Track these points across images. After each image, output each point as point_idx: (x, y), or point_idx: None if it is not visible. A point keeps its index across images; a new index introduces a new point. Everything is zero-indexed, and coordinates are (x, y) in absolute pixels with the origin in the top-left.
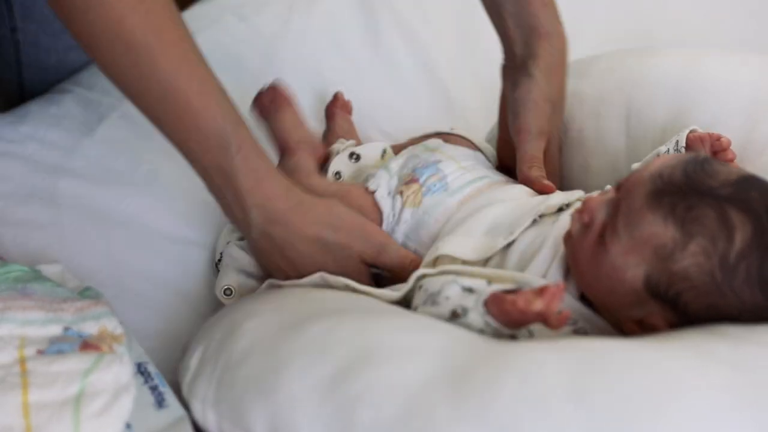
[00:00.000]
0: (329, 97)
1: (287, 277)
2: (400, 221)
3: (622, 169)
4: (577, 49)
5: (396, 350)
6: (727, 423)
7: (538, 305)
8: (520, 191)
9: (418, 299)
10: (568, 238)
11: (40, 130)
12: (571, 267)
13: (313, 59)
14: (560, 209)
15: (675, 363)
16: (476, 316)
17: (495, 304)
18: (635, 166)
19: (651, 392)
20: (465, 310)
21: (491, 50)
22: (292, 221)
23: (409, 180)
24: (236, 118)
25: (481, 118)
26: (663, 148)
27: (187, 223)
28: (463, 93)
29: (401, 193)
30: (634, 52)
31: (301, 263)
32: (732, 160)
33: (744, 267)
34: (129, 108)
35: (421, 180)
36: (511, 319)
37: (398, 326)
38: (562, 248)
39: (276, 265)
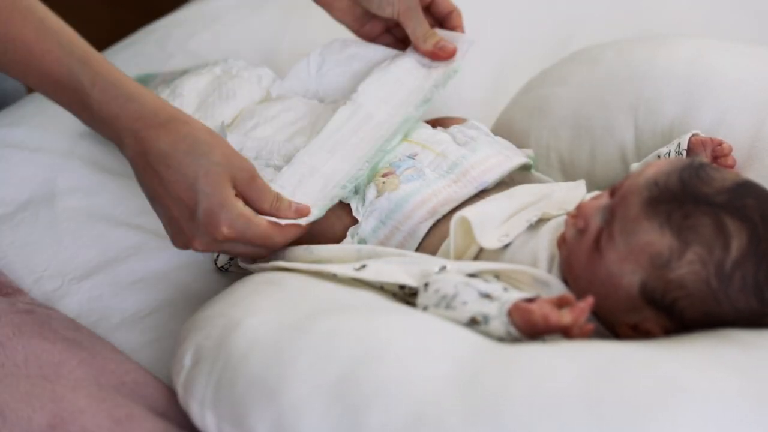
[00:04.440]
0: None
1: (168, 214)
2: (374, 208)
3: (629, 161)
4: (575, 48)
5: (404, 353)
6: (739, 429)
7: (566, 319)
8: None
9: (427, 299)
10: (563, 242)
11: (36, 133)
12: (565, 271)
13: None
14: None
15: (687, 369)
16: (499, 324)
17: (520, 315)
18: (635, 166)
19: (663, 398)
20: (486, 318)
21: (491, 47)
22: (163, 137)
23: (385, 173)
24: (82, 54)
25: (482, 113)
26: (664, 150)
27: None
28: (463, 91)
29: (376, 184)
30: (645, 41)
31: (174, 180)
32: (732, 167)
33: (740, 275)
34: None
35: (398, 172)
36: (536, 330)
37: (405, 327)
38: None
39: (154, 192)
